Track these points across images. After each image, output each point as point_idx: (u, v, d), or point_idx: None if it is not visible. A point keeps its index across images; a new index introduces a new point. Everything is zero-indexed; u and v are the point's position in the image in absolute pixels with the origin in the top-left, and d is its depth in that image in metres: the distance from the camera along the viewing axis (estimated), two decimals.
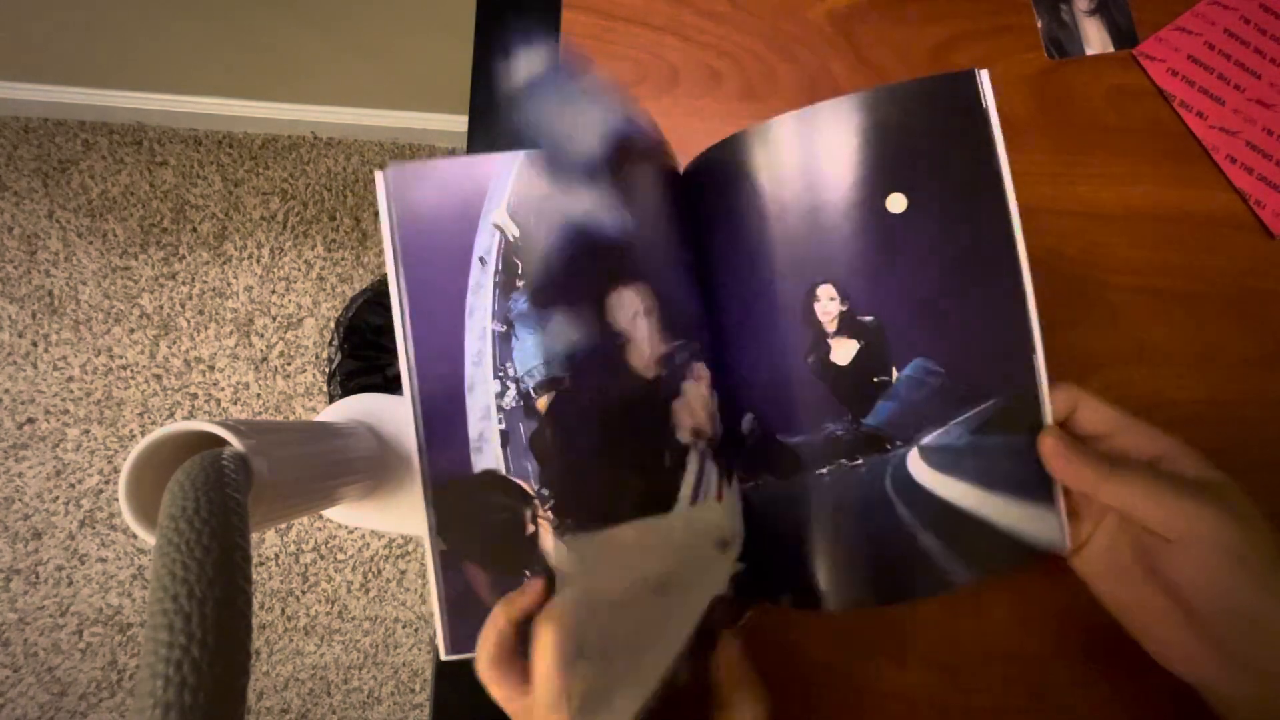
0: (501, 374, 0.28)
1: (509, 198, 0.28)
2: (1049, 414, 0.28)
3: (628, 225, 0.27)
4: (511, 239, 0.28)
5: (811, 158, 0.28)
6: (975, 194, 0.28)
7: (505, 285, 0.28)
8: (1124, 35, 0.42)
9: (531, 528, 0.27)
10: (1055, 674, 0.34)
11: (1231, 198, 0.40)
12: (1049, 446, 0.27)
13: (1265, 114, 0.40)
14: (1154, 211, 0.39)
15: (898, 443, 0.28)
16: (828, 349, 0.28)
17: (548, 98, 0.27)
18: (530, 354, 0.27)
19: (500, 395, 0.27)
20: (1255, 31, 0.41)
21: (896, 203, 0.27)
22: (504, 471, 0.27)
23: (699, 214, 0.31)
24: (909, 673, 0.34)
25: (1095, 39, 0.42)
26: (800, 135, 0.28)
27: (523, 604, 0.26)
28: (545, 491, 0.27)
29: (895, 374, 0.28)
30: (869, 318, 0.27)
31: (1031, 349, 0.28)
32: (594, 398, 0.26)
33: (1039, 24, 0.42)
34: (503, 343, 0.28)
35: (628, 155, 0.28)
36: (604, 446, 0.26)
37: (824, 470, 0.28)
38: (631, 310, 0.27)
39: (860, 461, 0.28)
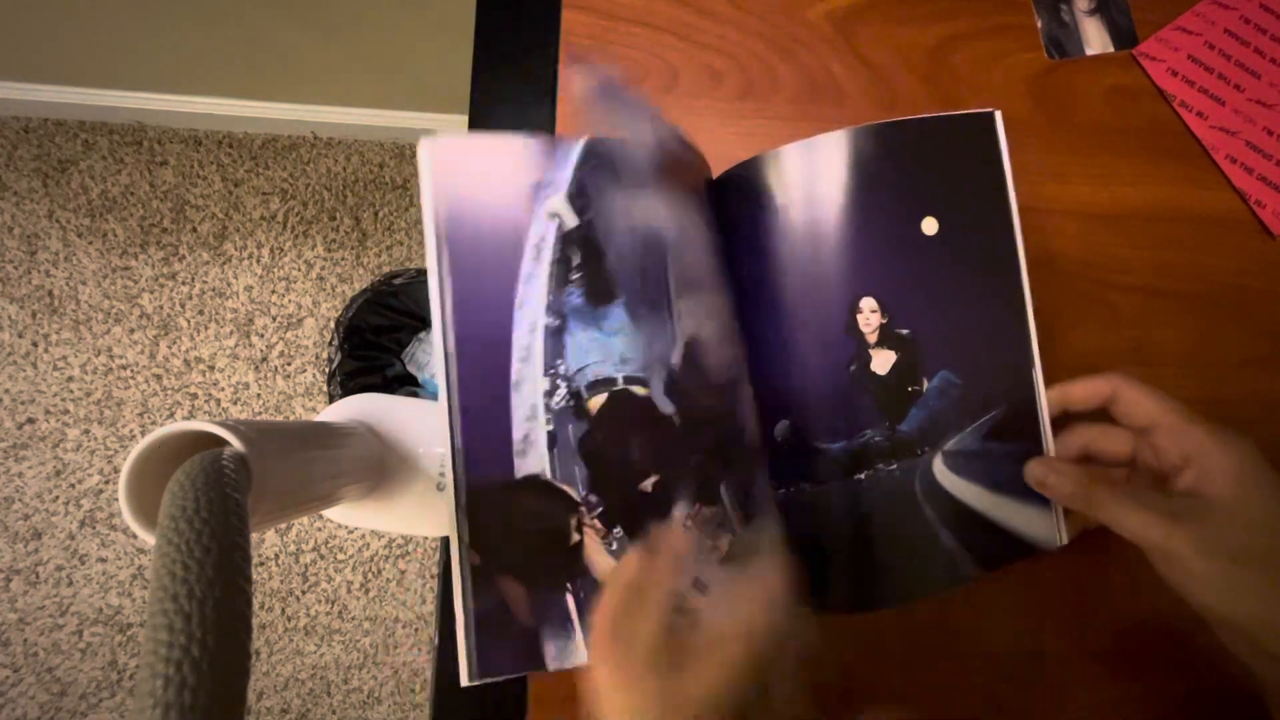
0: (552, 372, 0.25)
1: (569, 186, 0.26)
2: (1047, 424, 0.30)
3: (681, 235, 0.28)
4: (569, 229, 0.26)
5: (850, 178, 0.29)
6: (990, 224, 0.30)
7: (560, 277, 0.26)
8: (1124, 35, 0.42)
9: (576, 537, 0.25)
10: (1058, 675, 0.34)
11: (1231, 198, 0.40)
12: (1028, 472, 0.30)
13: (1265, 114, 0.40)
14: (1154, 211, 0.39)
15: (926, 448, 0.29)
16: (869, 359, 0.29)
17: (621, 108, 0.26)
18: (584, 351, 0.26)
19: (549, 394, 0.25)
20: (1255, 31, 0.41)
21: (930, 226, 0.30)
22: (549, 477, 0.25)
23: (731, 224, 0.31)
24: (909, 673, 0.33)
25: (1095, 39, 0.42)
26: (840, 155, 0.29)
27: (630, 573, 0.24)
28: (593, 499, 0.25)
29: (925, 384, 0.30)
30: (905, 331, 0.29)
31: (1031, 364, 0.30)
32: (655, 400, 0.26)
33: (1039, 24, 0.42)
34: (554, 338, 0.26)
35: (671, 169, 0.28)
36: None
37: (863, 475, 0.29)
38: (701, 315, 0.27)
39: (895, 466, 0.29)
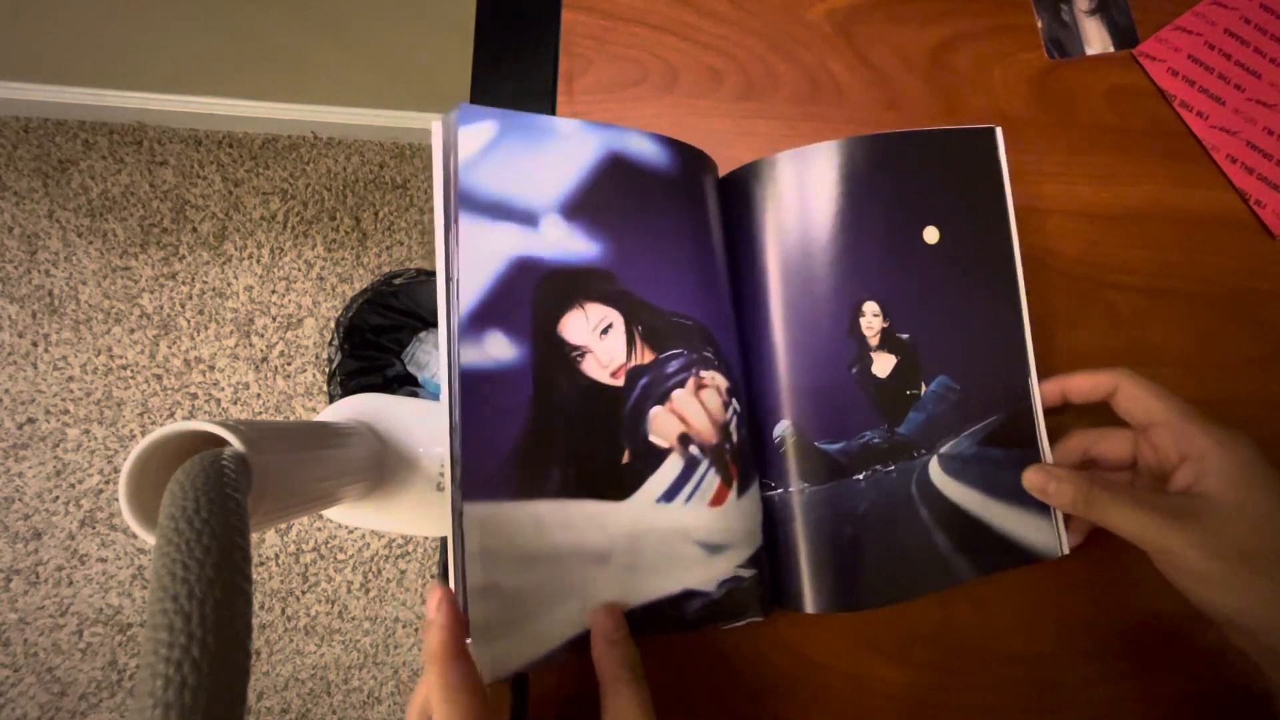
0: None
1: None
2: (1044, 432, 0.31)
3: (597, 252, 0.28)
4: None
5: (856, 185, 0.30)
6: (989, 235, 0.32)
7: None
8: (1124, 35, 0.42)
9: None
10: (1057, 675, 0.34)
11: (1231, 198, 0.40)
12: (1027, 480, 0.30)
13: (1265, 114, 0.40)
14: (1154, 211, 0.39)
15: (923, 450, 0.30)
16: (870, 361, 0.30)
17: (509, 151, 0.28)
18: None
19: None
20: (1255, 31, 0.41)
21: (931, 234, 0.31)
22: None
23: (735, 224, 0.32)
24: (909, 673, 0.33)
25: (1095, 39, 0.42)
26: (845, 162, 0.30)
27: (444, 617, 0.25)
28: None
29: (924, 388, 0.31)
30: (905, 335, 0.30)
31: (1028, 373, 0.31)
32: (536, 397, 0.27)
33: (1039, 24, 0.42)
34: None
35: (609, 186, 0.29)
36: (536, 435, 0.27)
37: (860, 476, 0.30)
38: (593, 325, 0.28)
39: (892, 467, 0.30)
